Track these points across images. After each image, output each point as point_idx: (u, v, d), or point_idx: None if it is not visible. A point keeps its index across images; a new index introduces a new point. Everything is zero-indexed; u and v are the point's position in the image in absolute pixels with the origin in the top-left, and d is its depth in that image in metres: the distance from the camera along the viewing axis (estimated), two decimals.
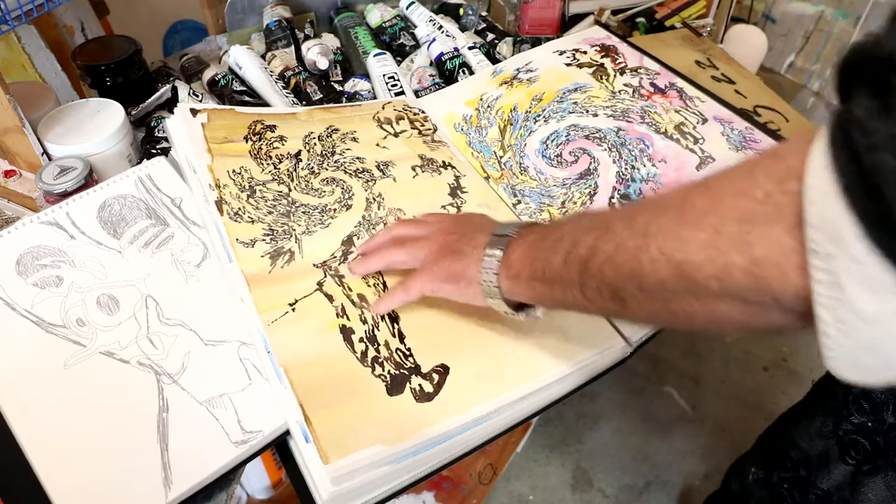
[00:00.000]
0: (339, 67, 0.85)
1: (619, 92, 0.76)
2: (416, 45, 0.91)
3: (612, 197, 0.64)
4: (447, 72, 0.84)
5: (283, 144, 0.66)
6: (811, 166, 0.26)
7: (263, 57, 0.85)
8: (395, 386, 0.48)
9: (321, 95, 0.79)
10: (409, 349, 0.50)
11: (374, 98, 0.80)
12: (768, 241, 0.27)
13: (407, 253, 0.51)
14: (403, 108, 0.75)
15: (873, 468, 0.58)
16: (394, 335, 0.51)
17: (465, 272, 0.46)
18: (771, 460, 0.70)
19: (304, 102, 0.79)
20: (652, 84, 0.76)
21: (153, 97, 0.75)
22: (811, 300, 0.26)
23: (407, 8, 0.95)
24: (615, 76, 0.78)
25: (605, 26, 0.89)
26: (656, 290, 0.33)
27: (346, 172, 0.65)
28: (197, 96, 0.77)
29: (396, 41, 0.91)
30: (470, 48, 0.87)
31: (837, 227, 0.24)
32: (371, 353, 0.50)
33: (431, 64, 0.87)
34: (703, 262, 0.30)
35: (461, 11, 0.97)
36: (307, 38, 0.89)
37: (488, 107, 0.76)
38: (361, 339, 0.50)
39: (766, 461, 0.72)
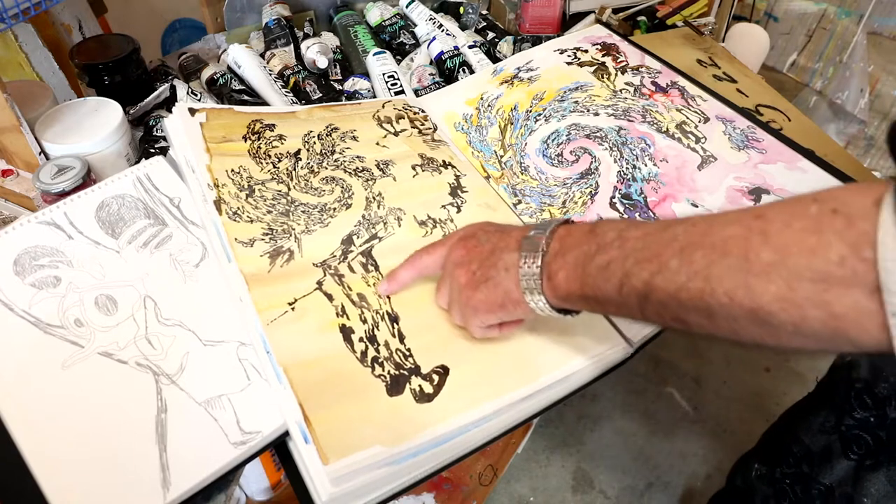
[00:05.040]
0: (338, 66, 0.85)
1: (621, 91, 0.75)
2: (416, 44, 0.91)
3: (613, 196, 0.63)
4: (447, 71, 0.84)
5: (282, 143, 0.66)
6: (883, 235, 0.28)
7: (262, 56, 0.84)
8: (394, 386, 0.47)
9: (320, 94, 0.79)
10: (409, 349, 0.50)
11: (374, 97, 0.80)
12: (847, 302, 0.29)
13: (442, 301, 0.52)
14: (403, 107, 0.75)
15: (875, 463, 0.58)
16: (394, 335, 0.51)
17: (508, 297, 0.45)
18: (774, 456, 0.70)
19: (303, 101, 0.78)
20: (653, 83, 0.76)
21: (151, 96, 0.74)
22: (893, 347, 0.28)
23: (407, 6, 0.95)
24: (616, 75, 0.78)
25: (607, 25, 0.89)
26: (725, 322, 0.34)
27: (345, 171, 0.64)
28: (195, 95, 0.77)
29: (396, 40, 0.90)
30: (470, 47, 0.86)
31: None
32: (371, 352, 0.49)
33: (431, 63, 0.86)
34: (777, 311, 0.31)
35: (461, 10, 0.96)
36: (306, 36, 0.89)
37: (489, 106, 0.76)
38: (361, 339, 0.50)
39: (769, 457, 0.72)
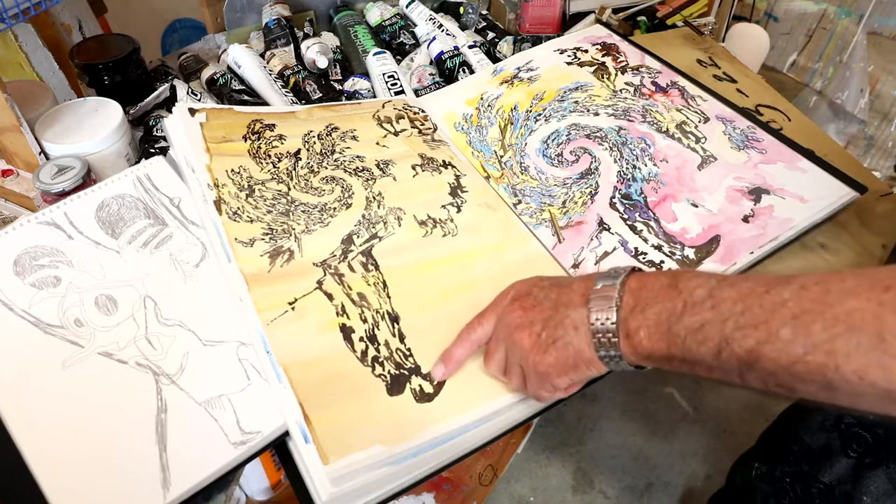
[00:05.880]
0: (338, 66, 0.85)
1: (621, 91, 0.75)
2: (416, 44, 0.91)
3: (612, 196, 0.63)
4: (447, 71, 0.84)
5: (282, 143, 0.66)
6: None
7: (262, 56, 0.84)
8: (395, 386, 0.47)
9: (320, 94, 0.79)
10: (409, 349, 0.50)
11: (374, 97, 0.80)
12: None
13: (496, 368, 0.48)
14: (403, 107, 0.75)
15: (875, 461, 0.58)
16: (394, 335, 0.51)
17: (580, 356, 0.42)
18: (774, 455, 0.70)
19: (303, 101, 0.78)
20: (653, 83, 0.76)
21: (151, 96, 0.74)
22: None
23: (407, 6, 0.95)
24: (616, 75, 0.78)
25: (607, 25, 0.89)
26: (848, 397, 0.32)
27: (345, 171, 0.64)
28: (195, 95, 0.77)
29: (396, 40, 0.90)
30: (470, 47, 0.86)
31: None
32: (371, 352, 0.49)
33: (431, 63, 0.86)
34: None
35: (461, 10, 0.96)
36: (306, 36, 0.89)
37: (489, 106, 0.76)
38: (361, 339, 0.50)
39: (769, 456, 0.71)
